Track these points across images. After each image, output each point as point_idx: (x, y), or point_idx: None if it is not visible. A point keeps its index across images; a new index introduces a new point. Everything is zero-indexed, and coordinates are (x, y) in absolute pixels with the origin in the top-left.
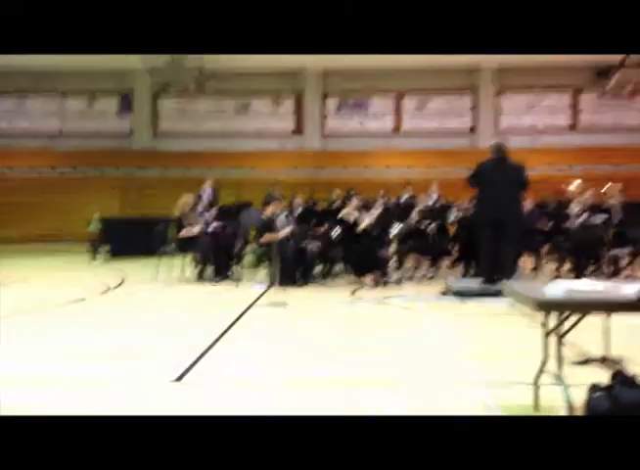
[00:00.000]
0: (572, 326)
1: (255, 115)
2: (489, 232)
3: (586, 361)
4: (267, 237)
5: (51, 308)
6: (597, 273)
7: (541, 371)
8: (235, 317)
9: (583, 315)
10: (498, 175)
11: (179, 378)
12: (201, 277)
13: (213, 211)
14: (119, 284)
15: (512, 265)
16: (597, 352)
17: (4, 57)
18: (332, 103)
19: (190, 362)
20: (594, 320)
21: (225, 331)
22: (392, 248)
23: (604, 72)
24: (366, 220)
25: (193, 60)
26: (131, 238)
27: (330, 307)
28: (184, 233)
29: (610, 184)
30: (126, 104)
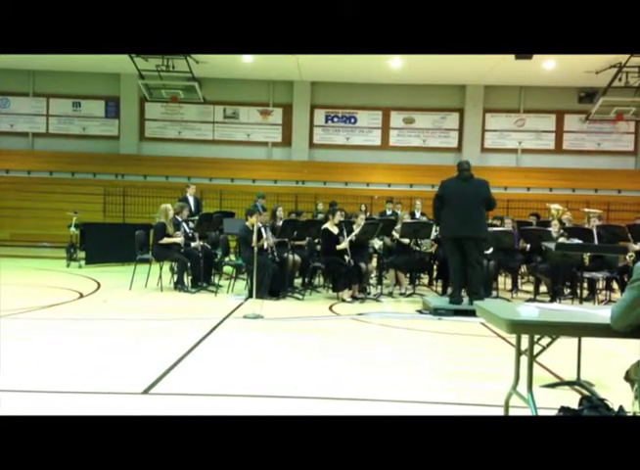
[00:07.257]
0: (544, 349)
1: (243, 124)
2: (454, 249)
3: (557, 384)
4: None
5: (21, 313)
6: (572, 296)
7: (511, 393)
8: (209, 329)
9: (555, 338)
10: (460, 193)
11: (146, 390)
12: (178, 286)
13: (195, 220)
14: (93, 291)
15: (480, 283)
16: (569, 375)
17: None
18: (320, 115)
19: (159, 374)
20: (568, 343)
21: (198, 343)
22: (373, 263)
23: (588, 96)
24: (349, 235)
25: (182, 66)
26: (109, 244)
27: (305, 322)
28: (164, 240)
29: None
30: (113, 108)
